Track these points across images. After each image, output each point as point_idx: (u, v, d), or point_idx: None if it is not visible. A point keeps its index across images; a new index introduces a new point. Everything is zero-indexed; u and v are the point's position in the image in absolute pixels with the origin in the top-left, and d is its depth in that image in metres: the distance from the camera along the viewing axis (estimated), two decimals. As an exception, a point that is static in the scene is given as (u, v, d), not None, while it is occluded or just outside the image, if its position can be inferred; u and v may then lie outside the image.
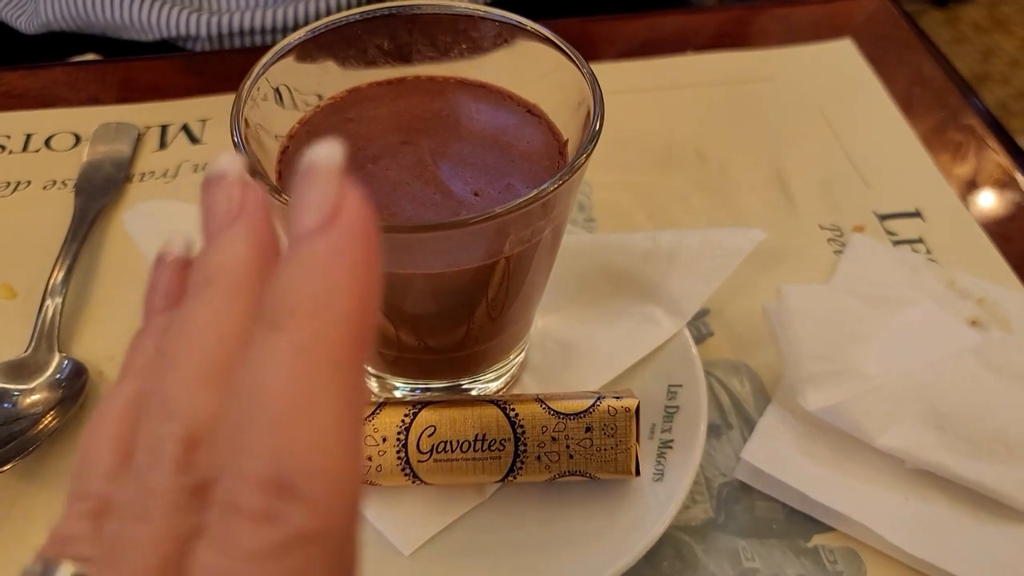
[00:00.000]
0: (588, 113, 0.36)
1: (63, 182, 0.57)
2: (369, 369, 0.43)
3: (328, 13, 0.67)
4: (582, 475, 0.39)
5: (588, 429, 0.39)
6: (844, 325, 0.45)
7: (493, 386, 0.44)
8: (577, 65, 0.37)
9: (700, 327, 0.49)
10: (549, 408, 0.39)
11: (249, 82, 0.35)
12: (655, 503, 0.40)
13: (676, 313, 0.46)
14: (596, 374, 0.45)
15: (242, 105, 0.35)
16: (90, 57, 0.71)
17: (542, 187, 0.32)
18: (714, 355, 0.48)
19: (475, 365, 0.42)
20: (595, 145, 0.34)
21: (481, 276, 0.35)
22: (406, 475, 0.39)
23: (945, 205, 0.55)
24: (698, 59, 0.65)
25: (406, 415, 0.38)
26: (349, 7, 0.67)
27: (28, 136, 0.60)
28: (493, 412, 0.39)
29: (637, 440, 0.39)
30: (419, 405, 0.38)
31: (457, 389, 0.43)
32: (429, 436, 0.39)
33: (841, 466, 0.43)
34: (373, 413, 0.38)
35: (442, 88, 0.40)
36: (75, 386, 0.45)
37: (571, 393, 0.40)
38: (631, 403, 0.39)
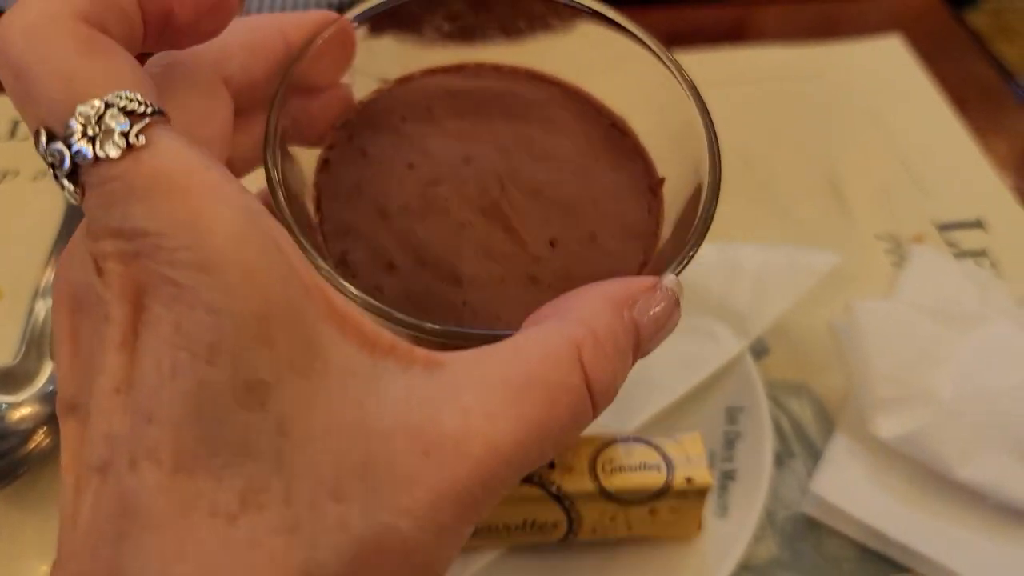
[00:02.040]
0: (691, 147, 0.28)
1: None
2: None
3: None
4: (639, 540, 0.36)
5: (653, 511, 0.35)
6: (916, 345, 0.41)
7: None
8: (690, 96, 0.28)
9: (755, 344, 0.45)
10: (608, 494, 0.34)
11: (283, 86, 0.27)
12: (718, 541, 0.36)
13: (739, 331, 0.42)
14: (652, 398, 0.40)
15: (276, 114, 0.26)
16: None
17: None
18: (772, 375, 0.44)
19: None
20: (708, 229, 0.26)
21: None
22: None
23: (1008, 215, 0.52)
24: (737, 54, 0.61)
25: None
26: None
27: (15, 123, 0.56)
28: (543, 496, 0.34)
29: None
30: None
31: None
32: None
33: (918, 501, 0.39)
34: None
35: (510, 81, 0.32)
36: (69, 400, 0.41)
37: (634, 463, 0.35)
38: (704, 483, 0.34)
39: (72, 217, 0.49)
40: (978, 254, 0.50)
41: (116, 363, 0.19)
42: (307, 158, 0.29)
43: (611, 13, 0.30)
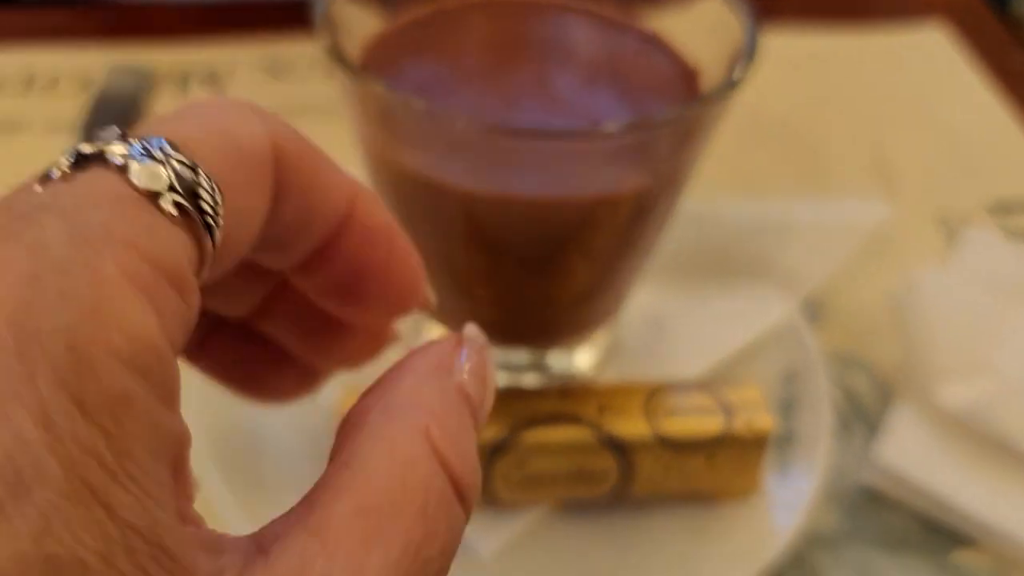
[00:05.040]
0: (726, 38, 0.30)
1: (69, 127, 0.50)
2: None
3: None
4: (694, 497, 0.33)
5: (710, 457, 0.32)
6: (978, 318, 0.40)
7: (582, 362, 0.37)
8: None
9: (805, 316, 0.43)
10: (664, 439, 0.32)
11: None
12: (779, 503, 0.34)
13: (787, 293, 0.40)
14: (696, 359, 0.38)
15: None
16: None
17: (700, 99, 0.27)
18: (824, 347, 0.41)
19: (564, 332, 0.36)
20: (753, 62, 0.28)
21: (602, 212, 0.29)
22: (487, 502, 0.32)
23: (1059, 198, 0.50)
24: (778, 35, 0.60)
25: (491, 449, 0.31)
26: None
27: (30, 77, 0.54)
28: (595, 442, 0.32)
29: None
30: (506, 433, 0.31)
31: (542, 366, 0.36)
32: (518, 469, 0.32)
33: (984, 472, 0.36)
34: None
35: (543, 10, 0.34)
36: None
37: (689, 407, 0.33)
38: (765, 428, 0.32)
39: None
40: (1031, 236, 0.48)
41: None
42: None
43: None
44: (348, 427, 0.17)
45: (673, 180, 0.30)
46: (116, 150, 0.14)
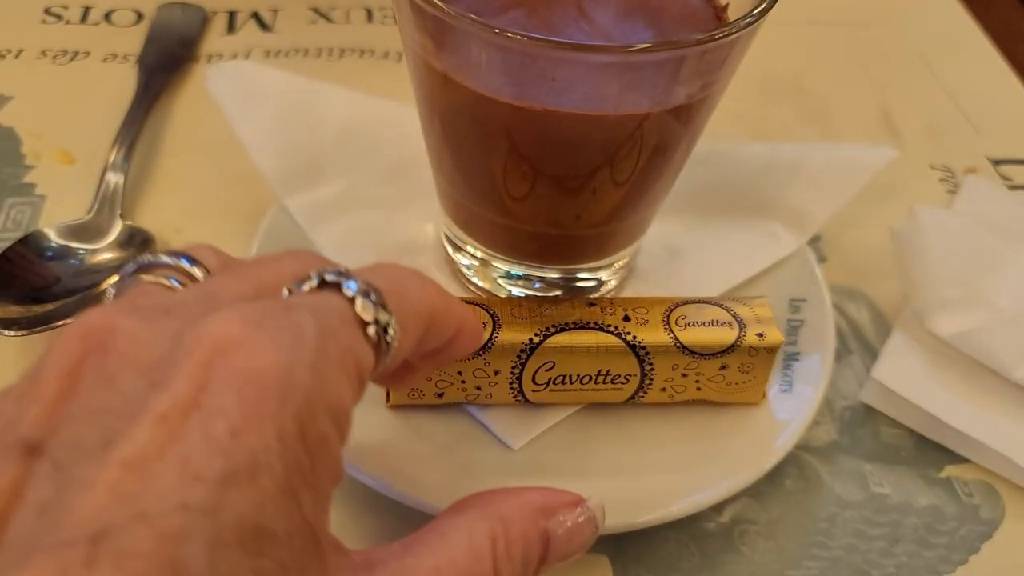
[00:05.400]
0: None
1: (124, 56, 0.53)
2: (476, 253, 0.39)
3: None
4: (704, 402, 0.36)
5: (723, 367, 0.35)
6: (976, 253, 0.42)
7: (607, 278, 0.40)
8: None
9: (812, 252, 0.45)
10: (683, 346, 0.35)
11: None
12: (781, 411, 0.37)
13: (797, 228, 0.43)
14: (710, 284, 0.41)
15: None
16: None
17: (728, 25, 0.29)
18: (830, 280, 0.44)
19: (591, 252, 0.39)
20: None
21: (630, 129, 0.32)
22: (518, 401, 0.36)
23: (1060, 155, 0.53)
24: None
25: (522, 351, 0.34)
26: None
27: (86, 9, 0.56)
28: (619, 346, 0.34)
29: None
30: (537, 337, 0.34)
31: (571, 283, 0.39)
32: (547, 370, 0.35)
33: (976, 395, 0.39)
34: (485, 347, 0.34)
35: None
36: (143, 250, 0.41)
37: (706, 319, 0.36)
38: (775, 340, 0.35)
39: (143, 94, 0.49)
40: (1031, 189, 0.51)
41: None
42: None
43: None
44: (458, 505, 0.25)
45: (699, 106, 0.33)
46: (349, 285, 0.21)
